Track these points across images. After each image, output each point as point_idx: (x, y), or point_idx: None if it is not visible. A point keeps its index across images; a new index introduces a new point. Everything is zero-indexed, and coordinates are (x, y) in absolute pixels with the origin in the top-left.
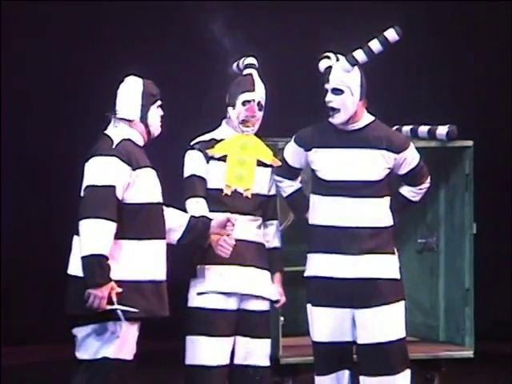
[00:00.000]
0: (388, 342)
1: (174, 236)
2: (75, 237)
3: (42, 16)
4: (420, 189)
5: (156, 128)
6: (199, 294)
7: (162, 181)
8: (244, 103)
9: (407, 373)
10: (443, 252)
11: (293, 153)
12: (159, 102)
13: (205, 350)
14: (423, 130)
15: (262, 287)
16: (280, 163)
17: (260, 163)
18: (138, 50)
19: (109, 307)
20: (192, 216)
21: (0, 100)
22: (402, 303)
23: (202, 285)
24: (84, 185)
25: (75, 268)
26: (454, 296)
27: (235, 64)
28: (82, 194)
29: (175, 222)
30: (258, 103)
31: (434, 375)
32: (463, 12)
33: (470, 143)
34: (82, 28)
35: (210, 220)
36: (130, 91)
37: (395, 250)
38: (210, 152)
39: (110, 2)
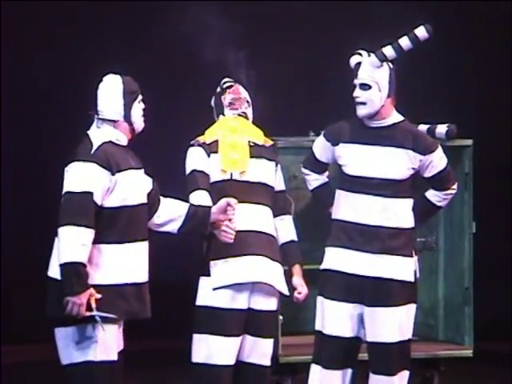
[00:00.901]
0: (391, 343)
1: (175, 225)
2: (56, 239)
3: (42, 16)
4: (446, 194)
5: (140, 124)
6: (215, 289)
7: (162, 180)
8: (228, 88)
9: (405, 374)
10: (443, 251)
11: (321, 147)
12: (140, 97)
13: (214, 349)
14: (422, 128)
15: (273, 278)
16: (272, 142)
17: (260, 156)
18: (138, 49)
19: (88, 314)
20: (191, 204)
21: (0, 99)
22: (413, 306)
23: (217, 280)
24: (63, 191)
25: (54, 271)
26: (454, 295)
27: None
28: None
29: (175, 211)
30: (245, 100)
31: (434, 374)
32: (463, 11)
33: (469, 142)
34: (82, 27)
35: (210, 207)
36: (111, 91)
37: (414, 253)
38: (200, 139)
39: (108, 2)
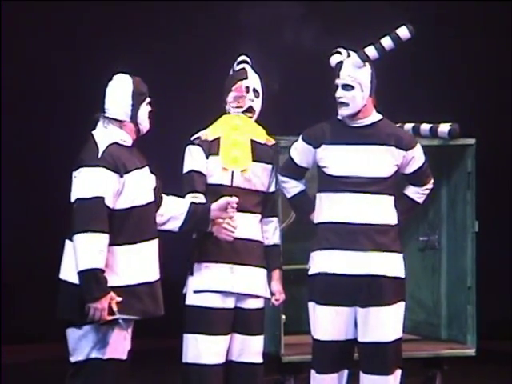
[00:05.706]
0: (387, 342)
1: (176, 223)
2: (67, 241)
3: (40, 15)
4: (425, 189)
5: (146, 126)
6: (196, 292)
7: (163, 176)
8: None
9: (398, 373)
10: (445, 250)
11: (301, 151)
12: (148, 100)
13: (203, 349)
14: (425, 127)
15: (258, 286)
16: (274, 141)
17: (261, 160)
18: (138, 47)
19: (110, 318)
20: (192, 202)
21: (0, 98)
22: (402, 304)
23: (199, 283)
24: (73, 197)
25: (66, 273)
26: (456, 294)
27: (231, 70)
28: (72, 205)
29: (176, 209)
30: (254, 89)
31: (436, 373)
32: (464, 11)
33: (472, 141)
34: (82, 25)
35: (210, 204)
36: (120, 91)
37: (401, 249)
38: (203, 136)
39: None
